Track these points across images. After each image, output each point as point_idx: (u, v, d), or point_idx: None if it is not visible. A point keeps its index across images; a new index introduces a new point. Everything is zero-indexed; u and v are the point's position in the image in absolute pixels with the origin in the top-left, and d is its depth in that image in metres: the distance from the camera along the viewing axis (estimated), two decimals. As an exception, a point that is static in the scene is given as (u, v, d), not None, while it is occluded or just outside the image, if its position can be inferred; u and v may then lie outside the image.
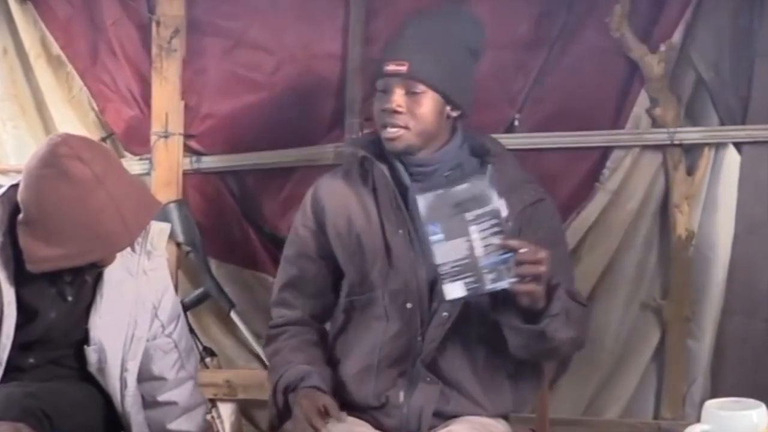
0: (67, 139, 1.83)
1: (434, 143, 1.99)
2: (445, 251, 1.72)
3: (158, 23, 2.87)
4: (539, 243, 1.78)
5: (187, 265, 2.92)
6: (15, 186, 1.91)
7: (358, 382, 1.99)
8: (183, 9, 2.88)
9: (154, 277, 2.07)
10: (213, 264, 2.93)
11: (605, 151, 2.71)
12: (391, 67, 1.95)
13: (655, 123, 2.68)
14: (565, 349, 1.93)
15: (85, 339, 2.01)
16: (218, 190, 2.94)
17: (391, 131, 1.95)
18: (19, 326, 1.90)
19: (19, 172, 2.90)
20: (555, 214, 2.08)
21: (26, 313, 1.92)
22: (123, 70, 2.94)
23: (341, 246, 2.05)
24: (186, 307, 2.70)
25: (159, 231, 2.04)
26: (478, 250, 1.70)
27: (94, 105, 2.97)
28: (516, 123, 2.74)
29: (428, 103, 1.96)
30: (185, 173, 2.91)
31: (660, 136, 2.67)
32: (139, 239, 1.98)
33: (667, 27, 2.66)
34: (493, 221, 1.70)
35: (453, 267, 1.72)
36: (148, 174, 2.90)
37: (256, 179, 2.93)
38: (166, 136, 2.87)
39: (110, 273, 1.98)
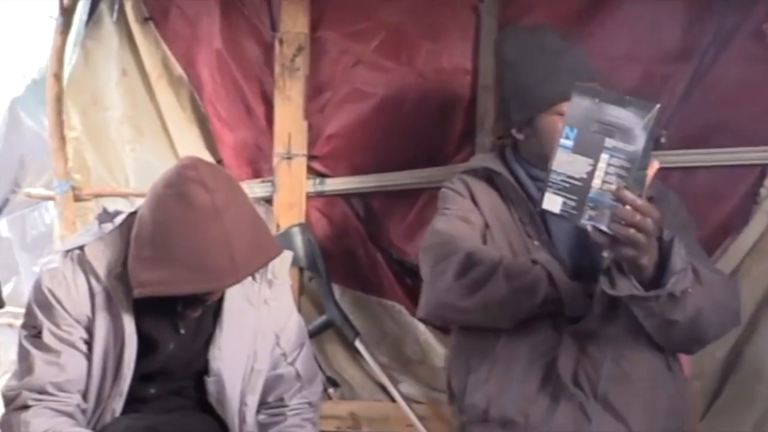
0: (197, 164, 1.77)
1: None
2: (565, 161, 1.58)
3: (281, 41, 2.79)
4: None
5: (310, 291, 2.83)
6: (133, 214, 1.87)
7: (499, 394, 1.92)
8: (306, 26, 2.79)
9: (276, 307, 2.02)
10: (337, 290, 2.83)
11: (764, 169, 2.52)
12: None
13: (820, 138, 2.47)
14: (710, 320, 1.76)
15: (205, 370, 1.94)
16: (343, 213, 2.85)
17: None
18: (140, 357, 1.87)
19: (138, 195, 2.91)
20: (682, 204, 2.03)
21: (146, 344, 1.89)
22: (245, 90, 2.87)
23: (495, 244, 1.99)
24: (308, 335, 2.61)
25: (281, 259, 1.96)
26: (596, 181, 1.55)
27: (216, 126, 2.90)
28: (663, 140, 2.54)
29: None
30: (308, 195, 2.83)
31: (827, 152, 2.46)
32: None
33: (833, 32, 2.45)
34: (626, 163, 1.53)
35: (563, 180, 1.58)
36: (270, 197, 2.82)
37: (382, 201, 2.82)
38: (289, 158, 2.79)
39: (230, 303, 1.94)
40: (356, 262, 2.83)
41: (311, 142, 2.82)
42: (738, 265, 2.52)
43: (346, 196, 2.84)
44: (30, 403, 1.80)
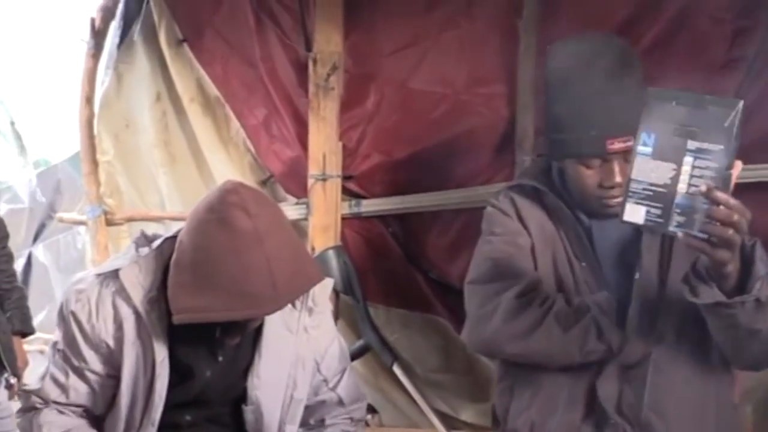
0: (239, 188, 1.74)
1: None
2: (645, 168, 1.49)
3: (315, 61, 2.75)
4: None
5: (348, 314, 2.79)
6: (171, 238, 1.83)
7: (542, 420, 1.86)
8: (340, 45, 2.76)
9: (316, 335, 1.97)
10: (381, 310, 2.80)
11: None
12: (617, 146, 1.75)
13: None
14: None
15: (243, 397, 1.90)
16: (380, 234, 2.81)
17: (615, 201, 1.78)
18: (175, 385, 1.83)
19: (171, 218, 2.89)
20: None
21: (181, 372, 1.84)
22: (280, 110, 2.84)
23: (539, 263, 1.90)
24: (346, 360, 2.57)
25: (321, 286, 1.91)
26: (681, 185, 1.47)
27: (251, 147, 2.89)
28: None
29: None
30: (344, 217, 2.79)
31: None
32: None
33: None
34: (713, 164, 1.45)
35: (645, 189, 1.49)
36: (305, 219, 2.79)
37: (420, 222, 2.78)
38: (324, 179, 2.75)
39: (269, 331, 1.90)
40: (397, 282, 2.79)
41: (347, 163, 2.79)
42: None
43: (383, 217, 2.80)
44: (38, 406, 1.85)
